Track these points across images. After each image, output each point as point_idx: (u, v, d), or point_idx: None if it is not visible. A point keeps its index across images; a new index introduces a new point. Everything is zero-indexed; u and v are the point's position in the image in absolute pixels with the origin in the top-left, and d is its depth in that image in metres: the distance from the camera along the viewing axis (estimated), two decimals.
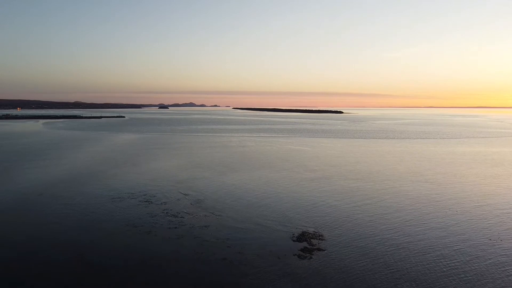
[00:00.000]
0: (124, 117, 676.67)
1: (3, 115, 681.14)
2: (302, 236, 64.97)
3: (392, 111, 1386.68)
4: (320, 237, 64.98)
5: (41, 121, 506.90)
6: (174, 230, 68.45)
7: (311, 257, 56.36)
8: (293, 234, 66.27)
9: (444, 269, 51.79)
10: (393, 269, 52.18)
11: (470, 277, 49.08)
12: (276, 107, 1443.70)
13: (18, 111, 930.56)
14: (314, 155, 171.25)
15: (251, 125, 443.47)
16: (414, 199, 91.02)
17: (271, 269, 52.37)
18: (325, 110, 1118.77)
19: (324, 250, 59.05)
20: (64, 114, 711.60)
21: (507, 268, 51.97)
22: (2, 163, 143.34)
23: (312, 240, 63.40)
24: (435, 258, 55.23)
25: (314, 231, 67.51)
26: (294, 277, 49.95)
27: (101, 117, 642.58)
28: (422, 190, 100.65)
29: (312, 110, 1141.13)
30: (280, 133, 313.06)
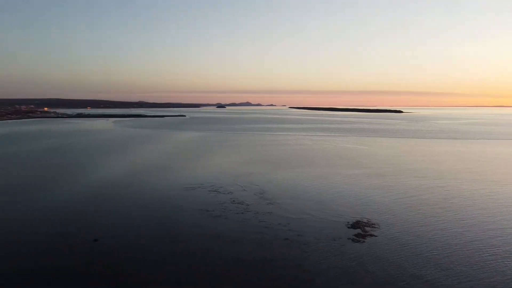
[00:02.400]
0: (184, 116, 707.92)
1: (77, 114, 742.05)
2: (356, 224, 71.41)
3: (456, 111, 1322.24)
4: (373, 225, 71.01)
5: (111, 119, 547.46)
6: (241, 215, 77.73)
7: (364, 241, 62.87)
8: (348, 222, 72.86)
9: (499, 268, 56.18)
10: (439, 256, 57.43)
11: None
12: (333, 107, 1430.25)
13: (89, 110, 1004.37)
14: (371, 153, 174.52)
15: (307, 124, 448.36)
16: (469, 198, 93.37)
17: (327, 248, 59.66)
18: (384, 110, 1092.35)
19: (376, 236, 65.22)
20: (130, 113, 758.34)
21: None
22: (88, 156, 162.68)
23: (365, 227, 69.66)
24: (489, 256, 59.33)
25: (367, 221, 73.58)
26: (348, 256, 56.89)
27: (163, 116, 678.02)
28: (479, 189, 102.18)
29: (370, 109, 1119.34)
30: (336, 132, 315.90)
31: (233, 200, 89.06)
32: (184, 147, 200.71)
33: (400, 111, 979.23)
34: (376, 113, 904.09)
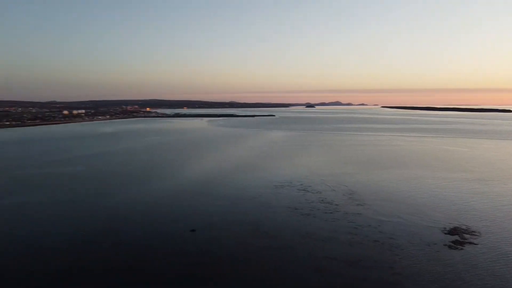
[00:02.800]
0: (274, 115, 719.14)
1: (175, 113, 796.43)
2: (454, 231, 67.54)
3: None
4: (473, 233, 66.56)
5: (205, 119, 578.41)
6: (330, 214, 78.09)
7: (462, 248, 59.43)
8: (445, 228, 69.17)
9: None
10: None
11: None
12: (430, 106, 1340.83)
13: (185, 110, 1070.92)
14: (473, 157, 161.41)
15: (401, 124, 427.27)
16: None
17: (420, 253, 57.63)
18: (490, 109, 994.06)
19: (476, 244, 61.16)
20: (222, 113, 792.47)
21: None
22: (185, 153, 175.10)
23: (464, 234, 65.63)
24: None
25: (466, 228, 69.15)
26: (442, 262, 54.39)
27: (254, 115, 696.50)
28: None
29: (473, 109, 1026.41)
30: (434, 132, 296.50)
31: (322, 200, 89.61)
32: (274, 146, 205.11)
33: (509, 111, 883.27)
34: (480, 113, 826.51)
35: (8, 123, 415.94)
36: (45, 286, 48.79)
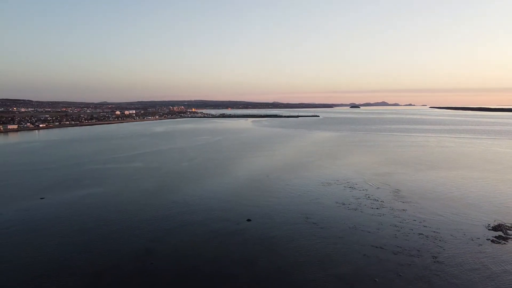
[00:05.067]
0: (318, 116, 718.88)
1: (220, 114, 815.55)
2: (498, 227, 70.20)
3: None
4: None
5: (250, 119, 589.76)
6: (376, 210, 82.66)
7: (505, 243, 62.42)
8: (489, 224, 71.96)
9: None
10: None
11: None
12: (482, 106, 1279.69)
13: (229, 111, 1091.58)
14: None
15: (451, 125, 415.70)
16: None
17: (463, 246, 61.38)
18: None
19: None
20: (266, 114, 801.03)
21: None
22: (234, 152, 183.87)
23: (508, 231, 68.23)
24: None
25: (511, 225, 71.45)
26: (485, 254, 57.95)
27: (298, 116, 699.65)
28: None
29: None
30: (485, 134, 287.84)
31: (368, 197, 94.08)
32: (320, 146, 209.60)
33: None
34: None
35: (67, 122, 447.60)
36: (128, 260, 57.43)
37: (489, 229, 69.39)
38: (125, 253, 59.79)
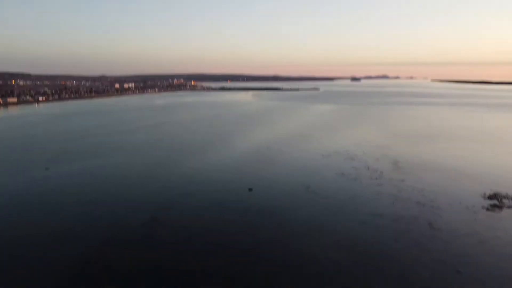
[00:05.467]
0: (318, 89, 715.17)
1: (220, 87, 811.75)
2: (494, 196, 72.14)
3: None
4: None
5: (250, 92, 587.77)
6: (375, 180, 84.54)
7: (500, 212, 64.46)
8: (485, 193, 73.91)
9: None
10: None
11: None
12: (485, 80, 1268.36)
13: (229, 84, 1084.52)
14: None
15: (452, 98, 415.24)
16: None
17: (459, 213, 63.56)
18: None
19: None
20: (267, 87, 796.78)
21: None
22: (236, 125, 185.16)
23: (503, 200, 70.19)
24: None
25: (507, 193, 73.39)
26: (479, 221, 60.08)
27: (298, 89, 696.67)
28: None
29: None
30: (485, 107, 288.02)
31: (368, 167, 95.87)
32: (320, 119, 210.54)
33: None
34: None
35: (67, 96, 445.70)
36: (133, 229, 59.50)
37: (484, 198, 71.37)
38: (131, 221, 61.77)
